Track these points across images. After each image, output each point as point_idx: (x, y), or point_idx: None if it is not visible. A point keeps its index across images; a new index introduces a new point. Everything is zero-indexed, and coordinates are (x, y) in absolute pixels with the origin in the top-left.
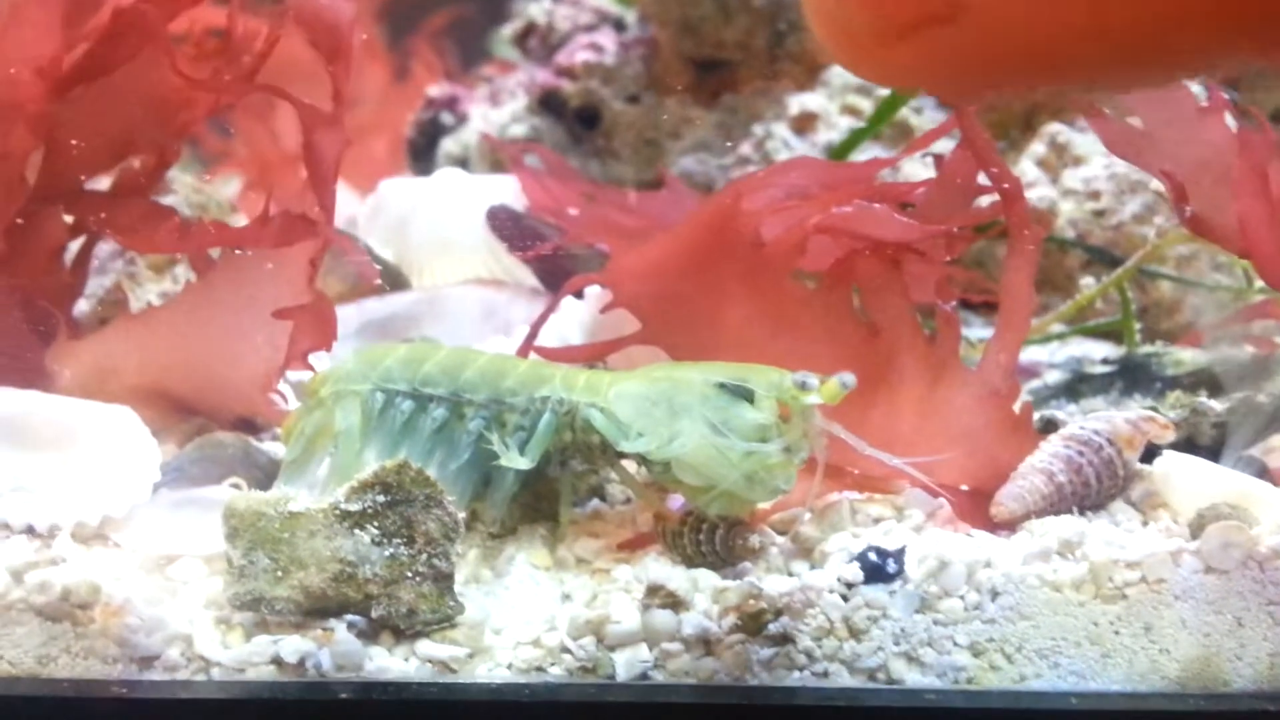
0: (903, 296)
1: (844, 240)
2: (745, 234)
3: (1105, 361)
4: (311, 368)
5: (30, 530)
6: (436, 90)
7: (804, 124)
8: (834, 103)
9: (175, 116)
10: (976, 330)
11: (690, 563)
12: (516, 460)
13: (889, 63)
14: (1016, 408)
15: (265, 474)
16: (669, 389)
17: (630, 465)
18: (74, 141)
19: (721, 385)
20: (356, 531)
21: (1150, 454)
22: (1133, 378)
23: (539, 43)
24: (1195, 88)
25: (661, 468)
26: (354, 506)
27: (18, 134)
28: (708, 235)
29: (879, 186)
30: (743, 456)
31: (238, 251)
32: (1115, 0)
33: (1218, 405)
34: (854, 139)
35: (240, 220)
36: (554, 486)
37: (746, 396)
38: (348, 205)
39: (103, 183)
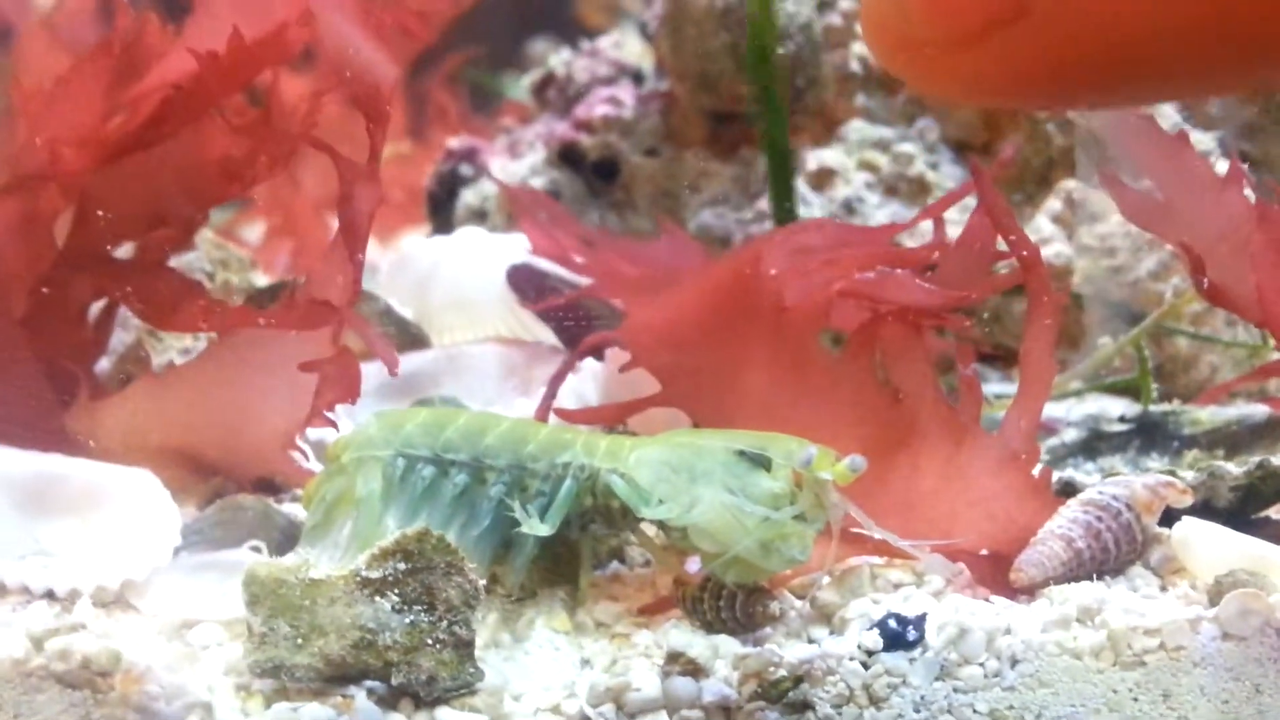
0: (925, 362)
1: (866, 305)
2: (767, 296)
3: (1122, 420)
4: (334, 424)
5: (50, 595)
6: (456, 142)
7: (821, 180)
8: (851, 158)
9: (212, 188)
10: (993, 386)
11: (710, 628)
12: (537, 527)
13: (955, 73)
14: (1036, 471)
15: (285, 536)
16: (690, 455)
17: (649, 528)
18: (103, 212)
19: (741, 453)
20: (377, 599)
21: (1169, 517)
22: (1150, 436)
23: (557, 94)
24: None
25: (680, 533)
26: (375, 574)
27: (48, 196)
28: (728, 297)
29: (899, 251)
30: (758, 524)
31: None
32: None
33: (1235, 469)
34: None
35: (259, 277)
36: (574, 549)
37: (764, 464)
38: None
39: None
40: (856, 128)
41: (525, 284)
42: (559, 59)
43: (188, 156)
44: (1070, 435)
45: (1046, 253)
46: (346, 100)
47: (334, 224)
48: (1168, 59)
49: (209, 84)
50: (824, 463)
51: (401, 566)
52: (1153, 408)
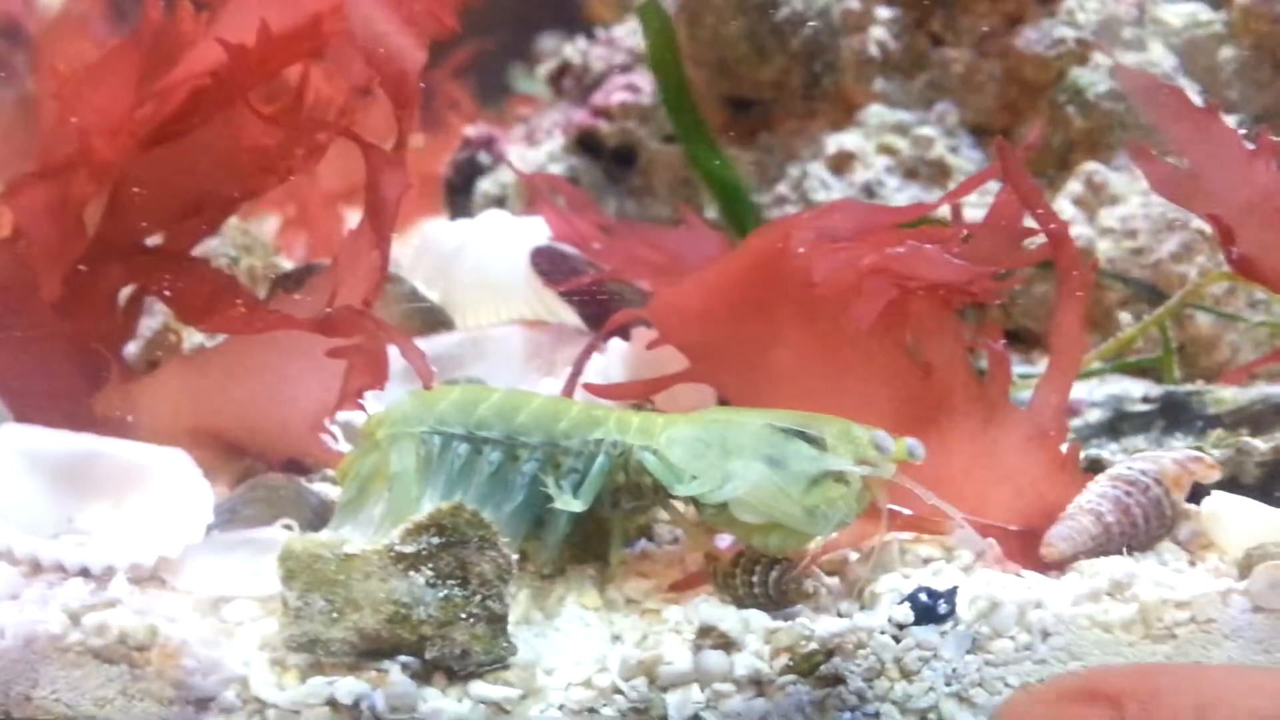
0: (955, 338)
1: (895, 282)
2: (795, 273)
3: (1146, 400)
4: (363, 408)
5: (85, 572)
6: (473, 130)
7: (841, 163)
8: (871, 142)
9: (247, 178)
10: (1015, 369)
11: (741, 604)
12: (571, 503)
13: None
14: (1064, 448)
15: (316, 515)
16: (722, 430)
17: (680, 504)
18: (137, 200)
19: (779, 428)
20: (411, 573)
21: (1197, 493)
22: (1174, 416)
23: (574, 83)
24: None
25: (714, 510)
26: (409, 548)
27: (79, 182)
28: (757, 273)
29: (927, 229)
30: (803, 491)
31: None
32: None
33: (1262, 444)
34: None
35: (283, 261)
36: (604, 527)
37: (815, 443)
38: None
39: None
40: (875, 112)
41: (549, 265)
42: (574, 48)
43: (221, 147)
44: (1094, 415)
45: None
46: (376, 87)
47: (348, 216)
48: None
49: (238, 75)
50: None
51: (435, 541)
52: (1176, 388)
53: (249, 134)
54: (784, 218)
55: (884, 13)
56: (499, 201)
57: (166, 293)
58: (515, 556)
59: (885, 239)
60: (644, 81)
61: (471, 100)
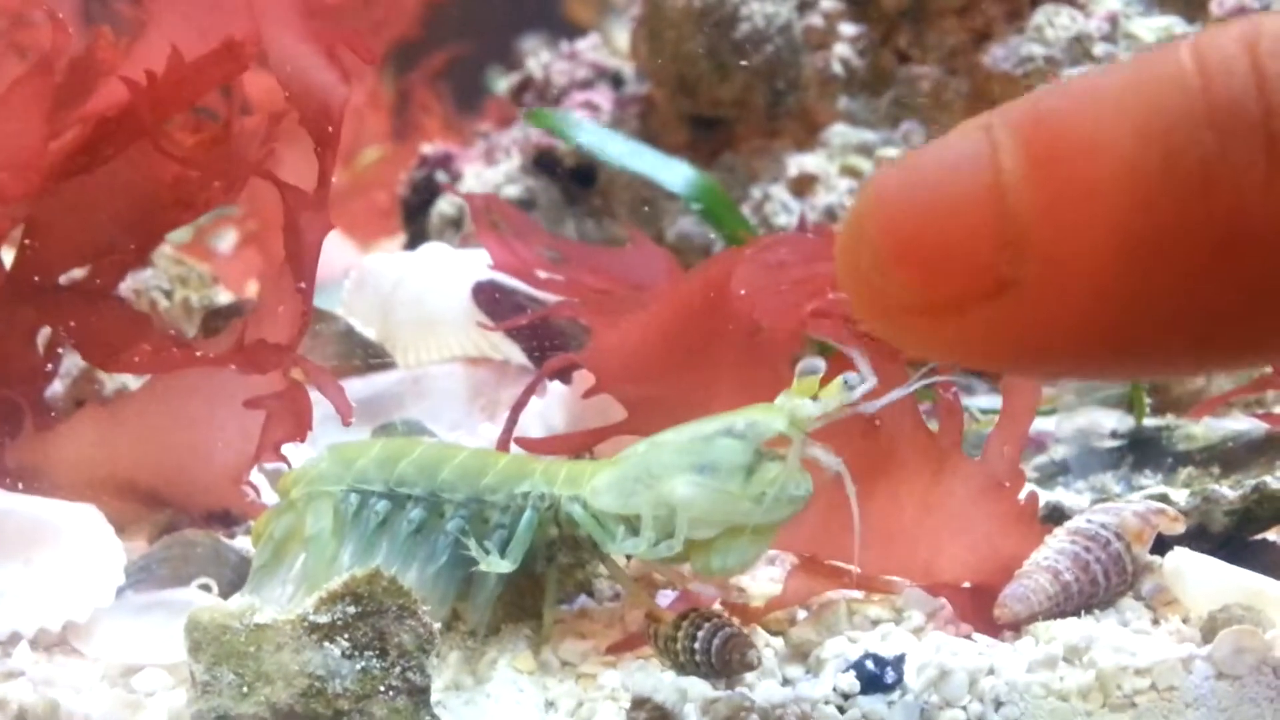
0: (902, 386)
1: (840, 325)
2: (737, 319)
3: (1114, 435)
4: (285, 459)
5: None
6: (430, 148)
7: (803, 186)
8: (834, 163)
9: (163, 214)
10: (981, 399)
11: (682, 670)
12: (497, 564)
13: (932, 337)
14: (1021, 498)
15: (235, 573)
16: (644, 461)
17: (618, 558)
18: (48, 238)
19: (699, 435)
20: (326, 644)
21: (1161, 543)
22: (1143, 453)
23: (536, 98)
24: None
25: (672, 549)
26: (323, 618)
27: None
28: (696, 318)
29: None
30: (744, 483)
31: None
32: (1202, 283)
33: (1230, 492)
34: None
35: (221, 294)
36: (539, 583)
37: (737, 434)
38: (347, 258)
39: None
40: (839, 131)
41: (491, 301)
42: (537, 62)
43: (137, 180)
44: (1060, 452)
45: None
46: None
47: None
48: (1161, 339)
49: (148, 106)
50: (805, 395)
51: (351, 610)
52: (1146, 422)
53: (165, 167)
54: (725, 252)
55: (848, 29)
56: (455, 223)
57: (74, 331)
58: (439, 623)
59: (829, 280)
60: (604, 99)
61: (446, 107)
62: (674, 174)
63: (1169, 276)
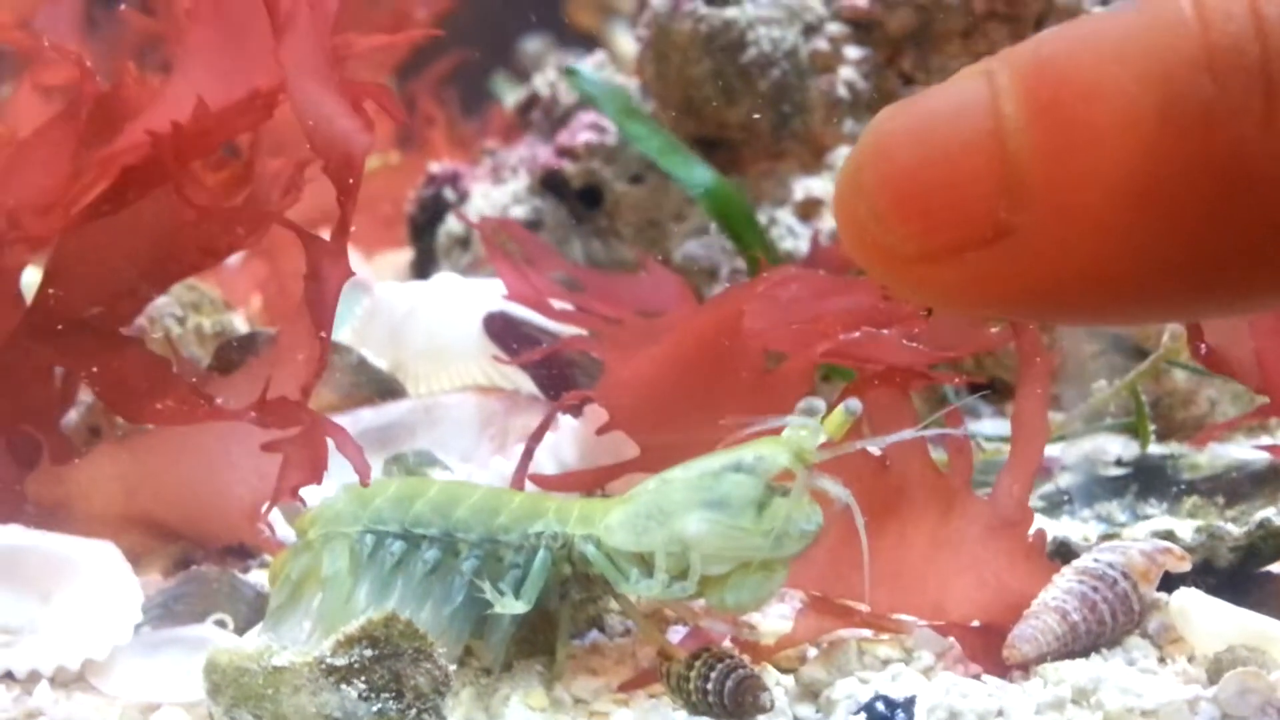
0: (912, 425)
1: (851, 365)
2: (749, 358)
3: (1120, 463)
4: (301, 499)
5: (10, 676)
6: (438, 167)
7: (809, 210)
8: None
9: (185, 257)
10: (987, 424)
11: (694, 709)
12: (511, 605)
13: (929, 284)
14: (1030, 535)
15: (251, 609)
16: (655, 498)
17: (630, 595)
18: (74, 275)
19: (709, 471)
20: (343, 687)
21: (1168, 579)
22: (1148, 481)
23: (542, 115)
24: None
25: (686, 590)
26: (340, 661)
27: (13, 254)
28: (708, 356)
29: (884, 309)
30: (755, 519)
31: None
32: (1198, 227)
33: (1235, 529)
34: None
35: (233, 318)
36: (551, 619)
37: (746, 469)
38: (355, 267)
39: None
40: (845, 154)
41: (502, 332)
42: (544, 79)
43: (160, 224)
44: (1065, 479)
45: None
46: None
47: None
48: (1161, 284)
49: (172, 153)
50: (832, 423)
51: (368, 653)
52: (1151, 449)
53: (188, 211)
54: (737, 287)
55: (853, 52)
56: (463, 242)
57: (96, 379)
58: (454, 665)
59: (840, 320)
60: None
61: (450, 114)
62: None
63: (1169, 221)
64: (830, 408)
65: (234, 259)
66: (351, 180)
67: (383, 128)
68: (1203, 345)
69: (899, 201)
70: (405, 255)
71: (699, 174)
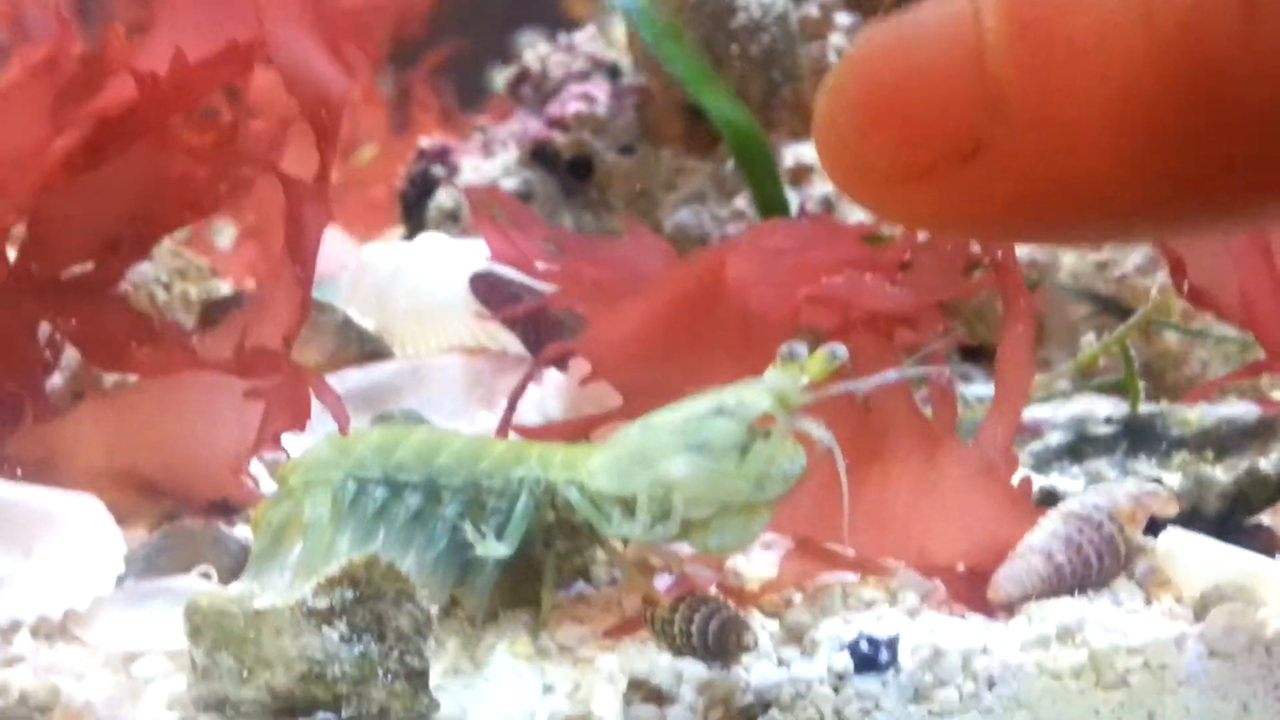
0: (896, 370)
1: (835, 311)
2: (731, 305)
3: (1109, 421)
4: (284, 449)
5: None
6: (427, 141)
7: (799, 176)
8: None
9: (168, 213)
10: (977, 386)
11: (678, 653)
12: (493, 548)
13: (910, 203)
14: (1015, 480)
15: (235, 561)
16: (639, 442)
17: (617, 542)
18: (56, 232)
19: (693, 414)
20: (324, 629)
21: (1154, 525)
22: (1138, 438)
23: (532, 90)
24: None
25: (669, 531)
26: (321, 603)
27: None
28: (691, 305)
29: (868, 254)
30: (739, 462)
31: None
32: (1177, 140)
33: (1222, 476)
34: None
35: (220, 286)
36: (537, 569)
37: (729, 412)
38: (345, 253)
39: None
40: None
41: (488, 292)
42: (534, 54)
43: (143, 178)
44: (1055, 438)
45: (1031, 249)
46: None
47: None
48: (1140, 198)
49: (154, 106)
50: (815, 365)
51: (349, 595)
52: (1141, 408)
53: (171, 166)
54: (720, 242)
55: (844, 19)
56: (453, 216)
57: (75, 331)
58: (437, 607)
59: (823, 266)
60: (600, 91)
61: (442, 103)
62: (724, 106)
63: (1149, 134)
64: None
65: (226, 240)
66: (330, 121)
67: (375, 117)
68: (1185, 281)
69: (879, 115)
70: (397, 234)
71: (727, 105)
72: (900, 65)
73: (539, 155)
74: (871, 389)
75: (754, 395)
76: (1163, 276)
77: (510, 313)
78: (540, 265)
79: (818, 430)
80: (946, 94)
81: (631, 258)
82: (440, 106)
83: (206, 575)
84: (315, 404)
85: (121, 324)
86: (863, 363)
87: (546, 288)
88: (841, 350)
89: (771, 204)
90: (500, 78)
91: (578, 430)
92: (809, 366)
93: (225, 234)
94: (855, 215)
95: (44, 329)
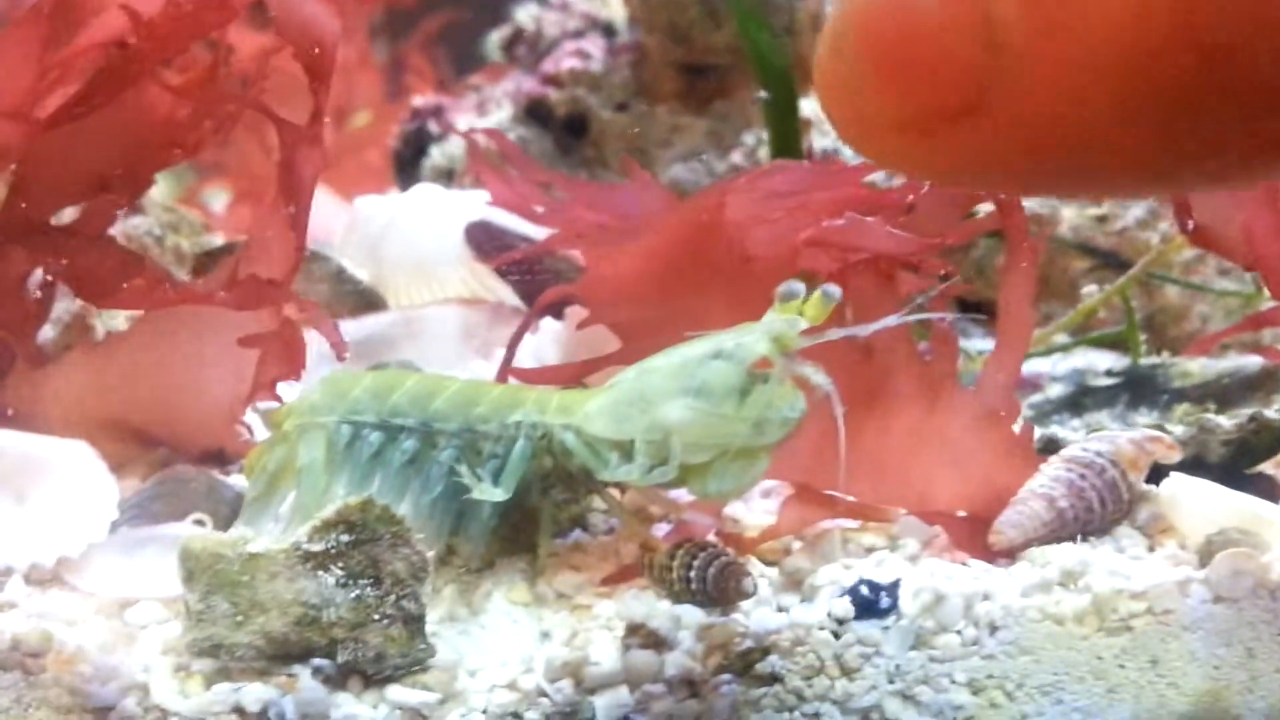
0: (896, 313)
1: (835, 254)
2: (730, 247)
3: (1110, 373)
4: (279, 398)
5: None
6: (421, 100)
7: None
8: None
9: (155, 154)
10: (976, 341)
11: (676, 599)
12: (490, 492)
13: (911, 152)
14: (1016, 428)
15: (231, 509)
16: (637, 385)
17: (614, 490)
18: (40, 179)
19: (690, 357)
20: (320, 573)
21: (1157, 473)
22: (1139, 390)
23: (527, 50)
24: None
25: (666, 474)
26: (317, 547)
27: None
28: (689, 247)
29: (870, 195)
30: (738, 406)
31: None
32: (1180, 92)
33: (1226, 422)
34: None
35: (214, 239)
36: (533, 517)
37: (726, 355)
38: (338, 217)
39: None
40: None
41: (484, 241)
42: (527, 13)
43: (129, 121)
44: (1055, 390)
45: (1030, 201)
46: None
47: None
48: (1143, 151)
49: (143, 48)
50: (788, 319)
51: (345, 538)
52: (1141, 361)
53: (158, 107)
54: (720, 182)
55: None
56: (447, 174)
57: (68, 271)
58: (433, 552)
59: (824, 208)
60: (594, 47)
61: (437, 71)
62: (759, 36)
63: (1150, 86)
64: (810, 292)
65: (220, 204)
66: (323, 62)
67: (370, 82)
68: (1190, 222)
69: (880, 63)
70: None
71: (767, 40)
72: (902, 14)
73: (533, 112)
74: (872, 334)
75: (752, 339)
76: (1165, 226)
77: (508, 258)
78: (539, 209)
79: (816, 375)
80: (949, 43)
81: (631, 202)
82: (436, 75)
83: (201, 522)
84: (310, 354)
85: (113, 261)
86: (863, 306)
87: (544, 234)
88: (836, 290)
89: (785, 146)
90: (494, 37)
91: (574, 373)
92: (806, 309)
93: (218, 199)
94: None
95: (35, 278)
